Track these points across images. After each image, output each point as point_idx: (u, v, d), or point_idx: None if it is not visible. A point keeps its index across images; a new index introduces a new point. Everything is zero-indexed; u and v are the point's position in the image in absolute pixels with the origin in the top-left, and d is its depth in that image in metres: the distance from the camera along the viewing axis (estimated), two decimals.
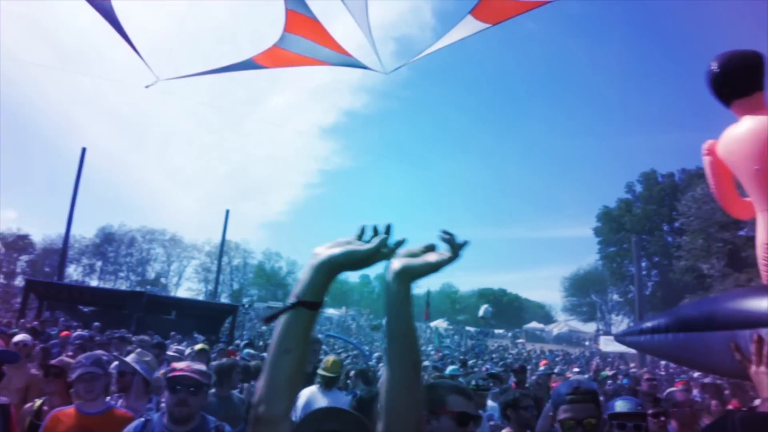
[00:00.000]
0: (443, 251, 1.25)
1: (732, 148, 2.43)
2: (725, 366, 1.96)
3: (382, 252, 1.20)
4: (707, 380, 9.59)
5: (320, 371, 5.21)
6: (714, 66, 2.46)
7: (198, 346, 7.60)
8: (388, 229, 1.22)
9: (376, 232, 1.22)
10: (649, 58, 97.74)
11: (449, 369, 8.76)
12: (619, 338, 2.64)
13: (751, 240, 2.55)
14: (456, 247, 1.25)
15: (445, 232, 1.25)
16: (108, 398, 3.48)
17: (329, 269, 1.17)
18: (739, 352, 1.88)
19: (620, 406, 3.03)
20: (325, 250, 1.19)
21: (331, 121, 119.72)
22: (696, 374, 17.34)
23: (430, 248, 1.26)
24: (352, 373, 7.08)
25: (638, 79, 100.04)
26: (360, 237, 1.22)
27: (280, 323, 1.14)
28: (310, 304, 1.14)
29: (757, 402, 3.12)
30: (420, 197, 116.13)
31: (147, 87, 8.18)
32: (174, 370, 2.90)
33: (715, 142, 2.56)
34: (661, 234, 52.62)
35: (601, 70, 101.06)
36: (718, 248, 34.10)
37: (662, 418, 3.85)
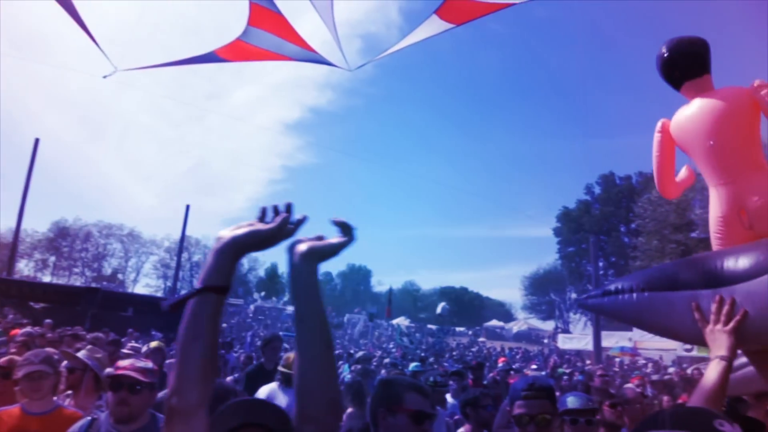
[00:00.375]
0: (339, 236, 1.29)
1: (685, 126, 2.53)
2: (685, 327, 2.00)
3: (285, 231, 1.22)
4: (656, 377, 9.96)
5: (281, 368, 5.16)
6: (664, 50, 2.58)
7: (153, 344, 7.40)
8: (288, 209, 1.23)
9: (277, 212, 1.23)
10: (610, 63, 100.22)
11: (412, 366, 8.82)
12: (582, 302, 2.61)
13: (702, 242, 2.67)
14: (349, 231, 1.29)
15: (336, 218, 1.29)
16: (55, 398, 3.35)
17: (234, 251, 1.18)
18: (699, 311, 1.93)
19: (572, 402, 3.10)
20: (229, 233, 1.19)
21: (295, 117, 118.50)
22: (649, 369, 17.94)
23: (320, 238, 1.29)
24: None
25: (599, 83, 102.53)
26: (262, 219, 1.23)
27: (187, 310, 1.11)
28: (217, 288, 1.13)
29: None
30: (384, 195, 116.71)
31: (105, 77, 7.96)
32: (117, 368, 2.84)
33: (668, 121, 2.66)
34: (618, 235, 54.03)
35: (564, 73, 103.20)
36: (671, 249, 35.16)
37: (619, 408, 3.98)
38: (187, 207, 36.13)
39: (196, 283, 1.15)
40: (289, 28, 7.78)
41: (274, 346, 6.38)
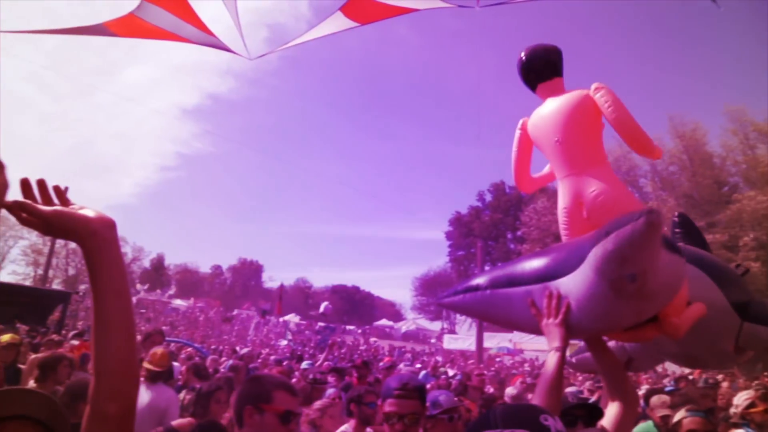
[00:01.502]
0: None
1: (538, 124, 2.73)
2: (524, 320, 2.17)
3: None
4: (530, 380, 10.61)
5: (145, 364, 4.89)
6: (523, 56, 2.79)
7: (4, 338, 6.43)
8: None
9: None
10: (506, 75, 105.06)
11: (304, 364, 8.77)
12: (438, 301, 2.82)
13: None
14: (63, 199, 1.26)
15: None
16: None
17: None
18: (534, 306, 2.08)
19: (445, 401, 3.22)
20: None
21: (193, 103, 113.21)
22: (527, 368, 19.08)
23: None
24: (183, 367, 6.80)
25: (493, 93, 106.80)
26: None
27: None
28: None
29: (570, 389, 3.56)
30: (279, 190, 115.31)
31: None
32: None
33: (527, 119, 2.86)
34: (505, 241, 56.79)
35: (463, 80, 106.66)
36: None
37: None
38: (66, 189, 33.51)
39: None
40: (187, 8, 7.41)
41: (155, 341, 6.08)
